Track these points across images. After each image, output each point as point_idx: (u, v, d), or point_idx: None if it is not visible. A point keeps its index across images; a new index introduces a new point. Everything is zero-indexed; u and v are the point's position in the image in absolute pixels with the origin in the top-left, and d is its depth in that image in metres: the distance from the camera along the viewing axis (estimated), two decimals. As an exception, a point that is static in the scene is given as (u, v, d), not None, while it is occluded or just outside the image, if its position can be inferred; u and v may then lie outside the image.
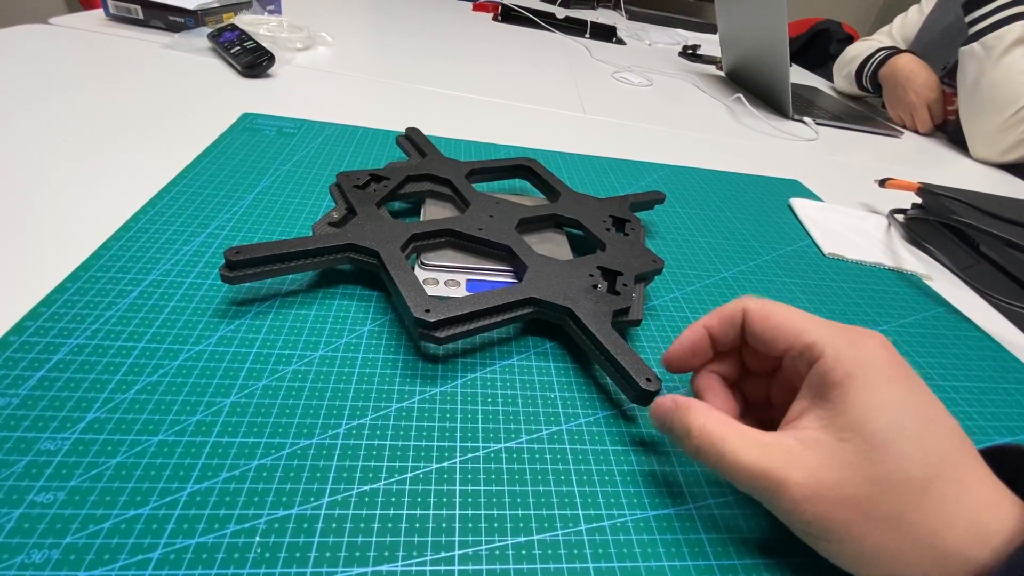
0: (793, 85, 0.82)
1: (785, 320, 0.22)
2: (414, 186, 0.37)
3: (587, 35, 1.14)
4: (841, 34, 1.54)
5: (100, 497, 0.19)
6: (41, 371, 0.23)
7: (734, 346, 0.25)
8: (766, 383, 0.25)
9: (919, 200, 0.53)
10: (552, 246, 0.35)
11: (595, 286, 0.30)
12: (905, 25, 1.09)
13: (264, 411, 0.23)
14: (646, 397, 0.24)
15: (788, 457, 0.19)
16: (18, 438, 0.20)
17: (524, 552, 0.20)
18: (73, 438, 0.20)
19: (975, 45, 0.79)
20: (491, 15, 1.18)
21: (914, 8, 1.09)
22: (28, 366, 0.23)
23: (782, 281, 0.39)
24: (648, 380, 0.24)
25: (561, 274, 0.30)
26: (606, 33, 1.16)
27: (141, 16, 0.64)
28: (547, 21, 1.16)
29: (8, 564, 0.17)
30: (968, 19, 0.81)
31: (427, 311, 0.25)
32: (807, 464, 0.19)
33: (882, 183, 0.55)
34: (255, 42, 0.60)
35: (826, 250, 0.44)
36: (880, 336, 0.21)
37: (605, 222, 0.36)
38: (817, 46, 1.55)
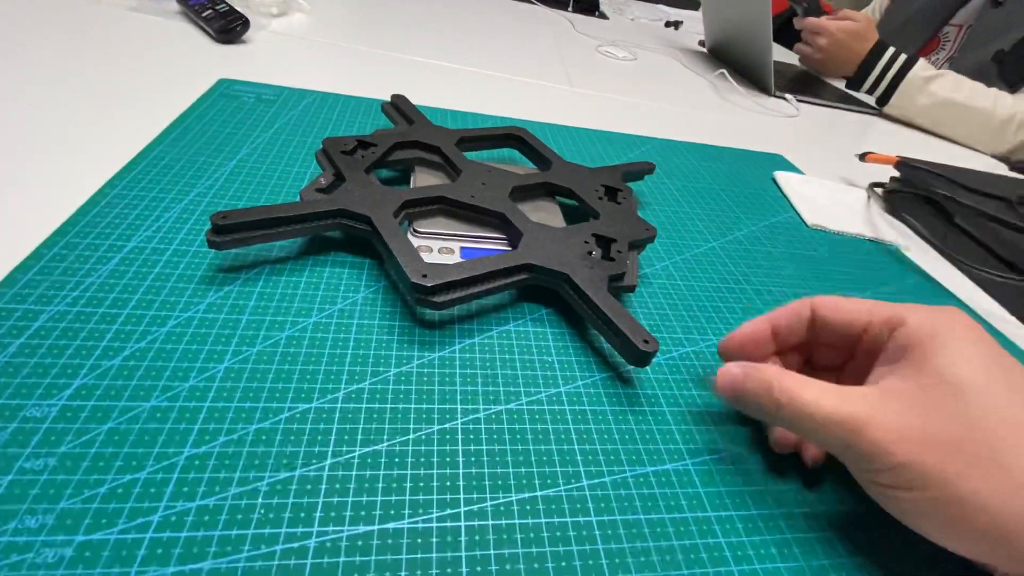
0: (774, 62, 0.82)
1: (859, 303, 0.22)
2: (403, 153, 0.36)
3: (570, 8, 1.12)
4: (819, 11, 1.55)
5: (93, 463, 0.18)
6: (21, 338, 0.22)
7: (797, 343, 0.24)
8: (835, 379, 0.23)
9: (897, 173, 0.54)
10: (545, 215, 0.34)
11: (590, 252, 0.30)
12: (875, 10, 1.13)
13: (260, 376, 0.22)
14: (644, 358, 0.24)
15: (869, 403, 0.18)
16: (1, 405, 0.19)
17: (528, 507, 0.20)
18: (60, 404, 0.20)
19: (891, 110, 0.85)
20: (472, -15, 1.15)
21: None
22: (7, 333, 0.22)
23: (768, 251, 0.40)
24: (645, 342, 0.24)
25: (556, 241, 0.30)
26: (589, 6, 1.14)
27: (103, -25, 0.61)
28: (529, -7, 1.13)
29: (1, 531, 0.16)
30: (864, 91, 0.87)
31: (424, 276, 0.25)
32: (889, 409, 0.18)
33: (862, 157, 0.56)
34: (228, 5, 0.57)
35: (809, 221, 0.45)
36: (961, 311, 0.20)
37: (598, 191, 0.36)
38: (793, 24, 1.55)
